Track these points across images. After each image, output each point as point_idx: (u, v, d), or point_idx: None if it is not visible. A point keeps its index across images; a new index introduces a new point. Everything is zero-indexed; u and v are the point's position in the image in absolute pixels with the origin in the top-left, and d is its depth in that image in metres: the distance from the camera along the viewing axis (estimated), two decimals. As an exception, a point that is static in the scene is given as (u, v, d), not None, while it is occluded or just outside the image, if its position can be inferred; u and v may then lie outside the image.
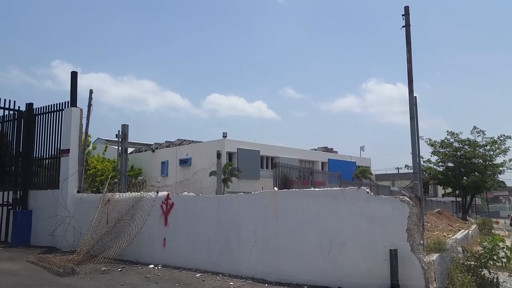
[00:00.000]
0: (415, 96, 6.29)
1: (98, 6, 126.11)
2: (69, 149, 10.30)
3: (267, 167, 32.97)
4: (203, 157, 28.30)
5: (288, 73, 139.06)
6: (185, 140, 37.12)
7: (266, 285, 6.31)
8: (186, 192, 8.36)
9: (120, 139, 11.09)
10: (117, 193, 9.07)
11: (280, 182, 12.71)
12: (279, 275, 6.44)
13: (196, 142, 36.08)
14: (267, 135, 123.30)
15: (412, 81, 6.17)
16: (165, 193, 8.39)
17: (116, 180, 10.81)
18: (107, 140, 33.73)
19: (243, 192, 8.12)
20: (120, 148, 11.07)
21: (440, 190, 36.78)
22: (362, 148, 48.20)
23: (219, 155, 10.89)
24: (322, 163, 40.31)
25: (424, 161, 27.26)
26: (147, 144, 41.63)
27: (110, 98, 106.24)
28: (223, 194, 10.21)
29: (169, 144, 37.87)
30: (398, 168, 54.86)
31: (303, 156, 38.67)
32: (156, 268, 7.70)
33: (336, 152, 45.69)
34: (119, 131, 11.09)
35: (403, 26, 6.57)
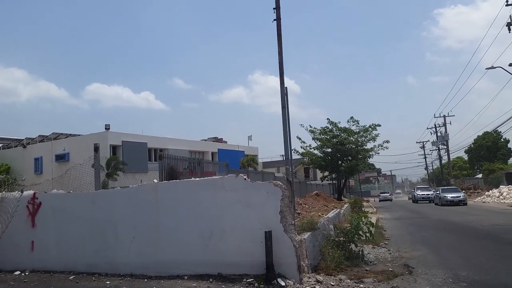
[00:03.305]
0: (286, 87, 6.64)
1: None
2: None
3: (155, 160, 32.02)
4: (83, 151, 26.24)
5: (176, 64, 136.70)
6: (61, 133, 34.09)
7: (146, 280, 6.14)
8: (55, 190, 7.69)
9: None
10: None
11: (167, 174, 12.43)
12: (159, 268, 6.31)
13: (75, 135, 33.42)
14: (157, 127, 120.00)
15: (283, 73, 6.48)
16: (31, 192, 7.62)
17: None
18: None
19: (120, 187, 7.76)
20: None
21: (320, 174, 39.75)
22: (250, 138, 49.73)
23: (96, 148, 10.26)
24: (212, 154, 40.54)
25: (305, 147, 29.17)
26: (17, 139, 37.34)
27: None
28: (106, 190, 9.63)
29: (43, 139, 34.43)
30: (283, 156, 57.76)
31: (193, 147, 38.41)
32: (23, 274, 7.01)
33: (226, 142, 46.36)
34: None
35: (274, 20, 6.80)
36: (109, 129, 29.97)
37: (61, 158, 30.86)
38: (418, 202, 35.75)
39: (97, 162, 10.07)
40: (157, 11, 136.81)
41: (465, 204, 27.98)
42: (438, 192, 31.46)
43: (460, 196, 28.47)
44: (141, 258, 6.53)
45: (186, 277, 6.00)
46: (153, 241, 6.51)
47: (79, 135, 33.16)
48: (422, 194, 36.83)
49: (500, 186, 34.72)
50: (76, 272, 6.87)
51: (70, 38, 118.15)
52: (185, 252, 6.24)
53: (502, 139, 61.05)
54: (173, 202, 6.46)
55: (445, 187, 34.11)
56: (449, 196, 28.56)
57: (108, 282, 6.15)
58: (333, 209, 14.10)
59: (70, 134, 34.03)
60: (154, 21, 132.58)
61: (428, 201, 34.78)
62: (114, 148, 30.17)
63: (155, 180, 7.24)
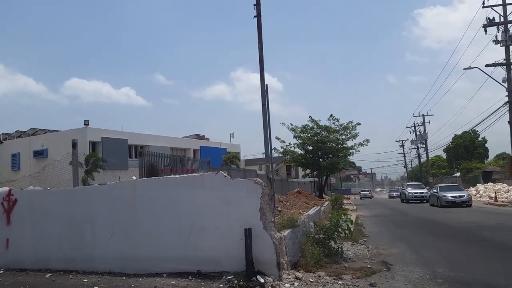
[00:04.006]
0: (266, 84, 6.64)
1: None
2: None
3: (136, 157, 31.64)
4: (61, 147, 25.73)
5: (157, 59, 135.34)
6: (40, 129, 33.41)
7: (124, 278, 6.07)
8: (31, 187, 7.53)
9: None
10: None
11: (147, 171, 12.30)
12: (138, 266, 6.25)
13: (54, 131, 32.77)
14: (137, 123, 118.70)
15: (264, 69, 6.49)
16: (6, 188, 7.44)
17: None
18: None
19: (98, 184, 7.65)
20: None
21: (302, 172, 39.98)
22: (232, 135, 49.68)
23: (74, 145, 10.11)
24: (194, 151, 40.31)
25: (286, 145, 29.31)
26: (-7, 135, 36.40)
27: None
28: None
29: (20, 134, 33.67)
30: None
31: (175, 144, 38.12)
32: (-4, 273, 6.82)
33: (208, 139, 46.17)
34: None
35: (254, 16, 6.79)
36: (88, 125, 29.49)
37: (39, 154, 30.24)
38: (410, 201, 30.27)
39: (75, 159, 9.91)
40: (138, 6, 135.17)
41: (470, 205, 23.31)
42: (435, 191, 26.30)
43: (464, 196, 23.76)
44: (119, 255, 6.45)
45: (165, 275, 5.95)
46: (131, 238, 6.43)
47: (58, 131, 32.54)
48: (414, 193, 31.12)
49: (477, 184, 35.58)
50: (53, 270, 6.74)
51: (48, 32, 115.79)
52: (164, 249, 6.19)
53: (479, 139, 62.51)
54: (152, 200, 6.39)
55: (444, 185, 29.37)
56: (450, 195, 23.79)
57: (85, 280, 6.06)
58: (314, 207, 14.20)
59: (49, 130, 33.38)
60: (135, 16, 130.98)
61: (420, 201, 29.71)
62: (93, 145, 29.72)
63: (134, 177, 7.16)
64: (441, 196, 23.96)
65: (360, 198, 55.77)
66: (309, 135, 28.70)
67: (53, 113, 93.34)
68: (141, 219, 6.41)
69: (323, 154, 29.11)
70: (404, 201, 31.80)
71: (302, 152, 29.67)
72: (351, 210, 21.98)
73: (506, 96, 25.24)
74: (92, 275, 6.31)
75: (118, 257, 6.46)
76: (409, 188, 32.50)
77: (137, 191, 6.51)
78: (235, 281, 5.42)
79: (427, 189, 33.02)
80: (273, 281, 5.48)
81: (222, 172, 6.23)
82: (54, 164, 13.74)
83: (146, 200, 6.43)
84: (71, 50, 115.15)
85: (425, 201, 29.07)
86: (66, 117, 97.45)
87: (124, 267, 6.33)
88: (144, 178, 6.81)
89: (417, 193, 30.97)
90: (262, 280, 5.39)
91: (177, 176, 6.72)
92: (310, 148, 29.24)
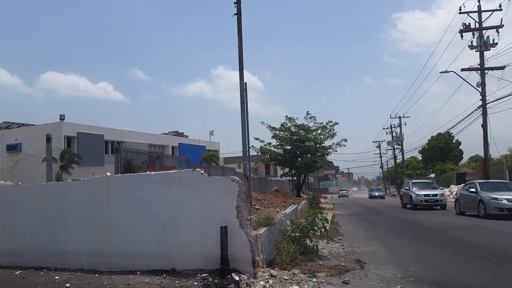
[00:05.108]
0: (246, 83, 6.64)
1: None
2: None
3: (112, 152, 31.15)
4: (36, 142, 25.03)
5: (136, 54, 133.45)
6: (13, 123, 32.55)
7: (97, 275, 5.96)
8: (2, 181, 7.33)
9: None
10: None
11: (123, 168, 12.12)
12: (111, 263, 6.15)
13: (28, 125, 31.97)
14: (115, 118, 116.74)
15: (243, 67, 6.49)
16: (-25, 183, 7.21)
17: None
18: None
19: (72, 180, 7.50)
20: None
21: (280, 170, 40.18)
22: (211, 133, 49.50)
23: (48, 139, 9.90)
24: (173, 148, 39.98)
25: (265, 144, 29.36)
26: (-36, 127, 35.23)
27: None
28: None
29: (-7, 128, 32.73)
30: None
31: (153, 141, 37.71)
32: (-37, 270, 6.60)
33: (187, 136, 45.85)
34: None
35: (234, 14, 6.76)
36: (64, 119, 28.89)
37: (13, 148, 29.47)
38: (418, 207, 21.41)
39: (49, 154, 9.71)
40: (118, 0, 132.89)
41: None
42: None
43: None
44: (92, 252, 6.33)
45: (138, 272, 5.88)
46: (104, 235, 6.33)
47: (33, 125, 31.78)
48: (425, 195, 21.73)
49: (451, 185, 36.52)
50: (23, 267, 6.56)
51: (25, 24, 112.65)
52: (138, 247, 6.11)
53: (454, 141, 64.10)
54: (126, 196, 6.30)
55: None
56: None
57: (57, 277, 5.93)
58: (291, 205, 14.30)
59: (23, 124, 32.56)
60: (115, 11, 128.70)
61: (430, 207, 21.50)
62: (69, 140, 29.15)
63: (108, 173, 7.05)
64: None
65: (339, 197, 60.57)
66: (287, 134, 28.82)
67: (28, 107, 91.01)
68: (115, 215, 6.31)
69: (301, 153, 29.29)
70: (408, 206, 22.87)
71: (281, 151, 29.79)
72: (328, 209, 22.22)
73: (480, 100, 25.92)
74: (64, 272, 6.17)
75: (91, 254, 6.35)
76: (415, 188, 22.74)
77: (111, 188, 6.40)
78: (210, 279, 5.40)
79: (441, 188, 25.79)
80: (248, 278, 5.49)
81: (199, 169, 6.20)
82: (27, 159, 13.41)
83: (120, 197, 6.34)
84: (48, 43, 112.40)
85: (439, 208, 21.48)
86: (41, 111, 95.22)
87: (97, 264, 6.22)
88: (118, 175, 6.72)
89: (428, 195, 21.80)
90: (237, 278, 5.38)
91: (153, 173, 6.64)
92: (289, 147, 29.38)
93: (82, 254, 6.39)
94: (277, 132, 28.84)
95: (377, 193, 51.28)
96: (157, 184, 6.23)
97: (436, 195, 21.99)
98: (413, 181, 25.50)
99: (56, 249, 6.57)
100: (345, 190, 76.56)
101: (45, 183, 7.47)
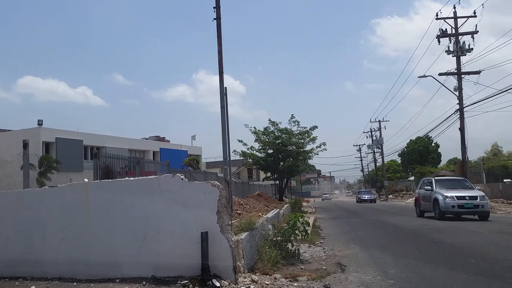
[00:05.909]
0: (226, 87, 6.64)
1: None
2: None
3: (91, 158, 30.67)
4: (12, 148, 24.40)
5: (116, 58, 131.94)
6: (-11, 128, 31.74)
7: (75, 283, 5.85)
8: (-25, 189, 7.12)
9: None
10: None
11: (102, 174, 11.94)
12: (90, 271, 6.03)
13: (5, 131, 31.22)
14: (94, 124, 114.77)
15: (223, 72, 6.51)
16: None
17: None
18: None
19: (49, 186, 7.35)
20: None
21: (263, 175, 40.20)
22: (193, 137, 49.42)
23: (25, 145, 9.72)
24: (154, 153, 39.62)
25: (248, 148, 29.34)
26: None
27: None
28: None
29: (-33, 133, 31.84)
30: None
31: (134, 146, 37.33)
32: None
33: (169, 141, 45.51)
34: None
35: (214, 19, 6.80)
36: (42, 124, 28.36)
37: (-13, 154, 28.67)
38: (447, 216, 15.96)
39: (26, 160, 9.51)
40: (98, 4, 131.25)
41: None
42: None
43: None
44: (70, 260, 6.20)
45: (118, 280, 5.78)
46: (83, 243, 6.21)
47: (10, 130, 31.06)
48: (457, 197, 15.83)
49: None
50: (-3, 277, 6.39)
51: (0, 26, 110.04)
52: (117, 254, 6.01)
53: (433, 144, 65.27)
54: (105, 203, 6.20)
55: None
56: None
57: (33, 287, 5.80)
58: (273, 210, 14.30)
59: (0, 129, 31.76)
60: (94, 14, 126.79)
61: (467, 213, 15.84)
62: (47, 145, 28.60)
63: (86, 180, 6.92)
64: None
65: (322, 200, 64.24)
66: (270, 138, 28.87)
67: (5, 112, 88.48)
68: (93, 222, 6.20)
69: (284, 157, 29.39)
70: (430, 215, 17.04)
71: (263, 155, 29.82)
72: (310, 213, 22.33)
73: (457, 104, 26.52)
74: (41, 281, 6.04)
75: (68, 262, 6.22)
76: (444, 190, 16.53)
77: (89, 194, 6.29)
78: (191, 286, 5.35)
79: (478, 188, 17.89)
80: (229, 284, 5.45)
81: (179, 174, 6.14)
82: (3, 165, 13.05)
83: (98, 203, 6.23)
84: (26, 47, 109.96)
85: (477, 216, 15.90)
86: (19, 117, 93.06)
87: (75, 272, 6.10)
88: (97, 181, 6.62)
89: (463, 198, 15.83)
90: (217, 284, 5.35)
91: (132, 178, 6.56)
92: (271, 151, 29.44)
93: (60, 262, 6.25)
94: (260, 135, 28.86)
95: (366, 196, 43.25)
96: (136, 190, 6.15)
97: (475, 197, 15.77)
98: (436, 178, 18.91)
99: (33, 257, 6.42)
100: (328, 194, 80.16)
101: (21, 190, 7.30)
